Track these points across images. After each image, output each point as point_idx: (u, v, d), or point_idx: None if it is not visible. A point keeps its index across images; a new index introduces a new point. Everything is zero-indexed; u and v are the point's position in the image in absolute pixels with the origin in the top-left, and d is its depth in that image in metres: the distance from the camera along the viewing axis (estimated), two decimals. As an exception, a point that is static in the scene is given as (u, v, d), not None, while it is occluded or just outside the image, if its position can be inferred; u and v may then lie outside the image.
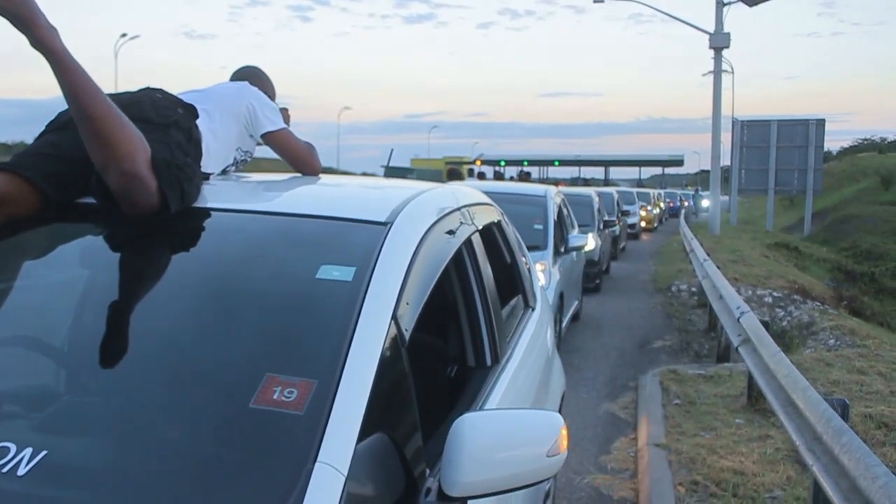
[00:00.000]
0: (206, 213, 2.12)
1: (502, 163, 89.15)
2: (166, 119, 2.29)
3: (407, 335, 1.81)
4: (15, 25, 1.90)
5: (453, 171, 19.77)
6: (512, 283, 3.37)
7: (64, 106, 2.03)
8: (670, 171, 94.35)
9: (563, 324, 7.93)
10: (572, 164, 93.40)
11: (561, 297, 7.46)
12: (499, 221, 3.34)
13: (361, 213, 2.11)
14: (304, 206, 2.18)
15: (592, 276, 11.99)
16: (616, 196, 19.86)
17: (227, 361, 1.70)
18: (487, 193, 8.70)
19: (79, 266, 2.19)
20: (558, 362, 3.81)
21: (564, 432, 1.82)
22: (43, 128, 2.35)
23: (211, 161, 2.63)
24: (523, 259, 3.69)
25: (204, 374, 1.69)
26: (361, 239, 2.01)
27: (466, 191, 3.09)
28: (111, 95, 2.40)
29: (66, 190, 2.16)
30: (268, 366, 1.62)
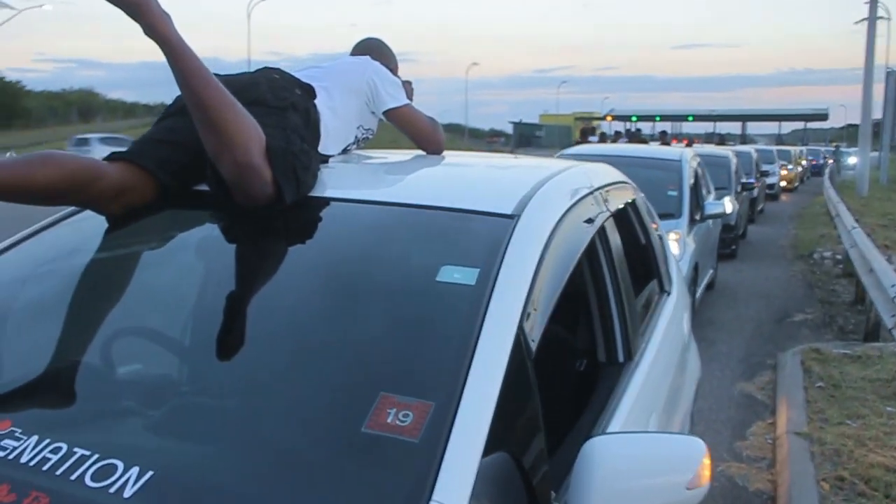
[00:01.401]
0: (322, 203, 2.01)
1: (634, 118, 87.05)
2: (283, 101, 2.19)
3: (534, 345, 1.65)
4: (127, 13, 1.83)
5: (586, 130, 19.34)
6: (647, 266, 3.16)
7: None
8: (813, 125, 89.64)
9: (698, 294, 7.59)
10: (707, 120, 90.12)
11: (696, 267, 7.12)
12: (633, 201, 3.12)
13: (486, 203, 1.96)
14: (424, 195, 2.04)
15: (728, 242, 11.45)
16: (755, 155, 18.94)
17: (341, 376, 1.59)
18: (617, 158, 8.44)
19: (194, 256, 2.13)
20: (694, 348, 3.57)
21: (707, 461, 1.63)
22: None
23: (330, 141, 2.53)
24: (658, 238, 3.46)
25: (318, 389, 1.58)
26: (486, 235, 1.86)
27: (599, 170, 2.88)
28: (228, 76, 2.32)
29: (183, 177, 2.11)
30: (383, 382, 1.50)
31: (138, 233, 2.14)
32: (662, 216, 7.13)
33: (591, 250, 2.28)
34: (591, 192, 2.43)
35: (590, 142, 16.95)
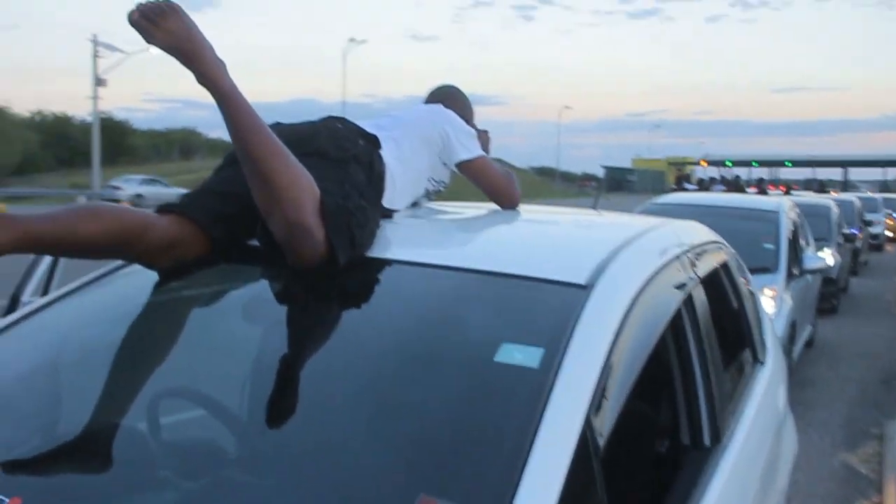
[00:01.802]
0: (378, 264, 1.86)
1: (728, 163, 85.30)
2: (344, 153, 2.06)
3: (602, 442, 1.44)
4: (179, 60, 1.73)
5: (682, 177, 18.86)
6: (739, 335, 2.90)
7: None
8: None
9: (795, 354, 7.15)
10: (806, 165, 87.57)
11: (793, 325, 6.71)
12: (725, 262, 2.87)
13: (556, 270, 1.77)
14: (489, 259, 1.86)
15: (829, 296, 10.87)
16: (858, 204, 18.10)
17: (380, 467, 1.41)
18: (710, 208, 8.10)
19: (242, 316, 2.00)
20: (790, 422, 3.27)
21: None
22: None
23: (398, 195, 2.38)
24: (752, 301, 3.19)
25: (354, 480, 1.41)
26: (554, 307, 1.67)
27: (688, 229, 2.66)
28: (289, 126, 2.21)
29: (237, 231, 1.99)
30: (424, 481, 1.32)
31: (187, 289, 2.04)
32: (758, 270, 6.79)
33: (675, 322, 2.06)
34: (678, 257, 2.21)
35: (686, 189, 16.50)
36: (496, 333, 1.60)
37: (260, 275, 2.02)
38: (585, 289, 1.69)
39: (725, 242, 3.14)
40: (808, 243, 9.06)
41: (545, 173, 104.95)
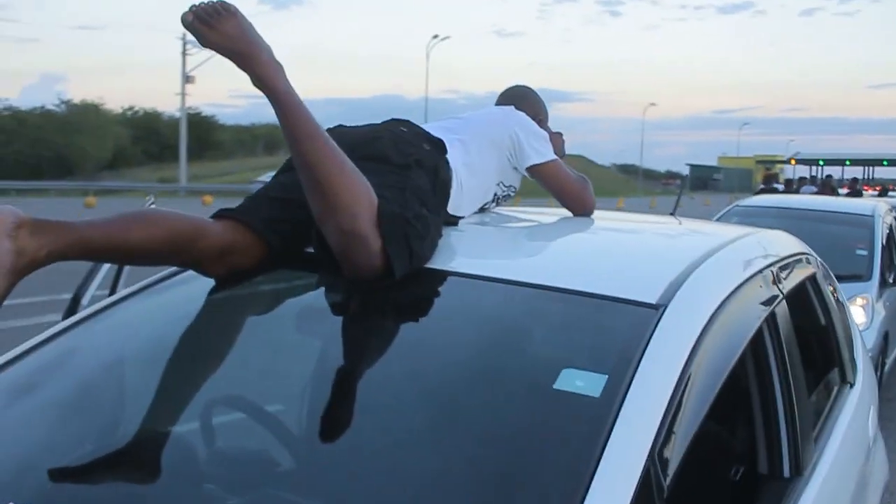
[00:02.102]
0: (437, 277, 1.77)
1: (821, 162, 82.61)
2: (407, 158, 1.98)
3: (668, 477, 1.32)
4: (236, 63, 1.68)
5: (770, 176, 18.24)
6: (826, 353, 2.72)
7: None
8: None
9: (887, 367, 6.81)
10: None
11: (885, 337, 6.38)
12: (813, 275, 2.69)
13: (627, 288, 1.65)
14: (554, 273, 1.75)
15: (925, 304, 10.36)
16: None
17: (431, 498, 1.33)
18: (799, 211, 7.76)
19: (296, 326, 1.94)
20: (881, 447, 3.06)
21: None
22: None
23: (465, 200, 2.30)
24: (842, 317, 3.00)
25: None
26: (622, 329, 1.56)
27: (774, 240, 2.50)
28: (351, 129, 2.14)
29: (295, 238, 1.93)
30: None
31: (243, 295, 1.99)
32: (850, 278, 6.48)
33: (756, 343, 1.91)
34: (761, 271, 2.06)
35: (774, 188, 15.96)
36: (558, 356, 1.50)
37: (316, 283, 1.95)
38: (657, 308, 1.57)
39: (814, 253, 2.96)
40: (904, 249, 8.64)
41: (629, 171, 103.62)
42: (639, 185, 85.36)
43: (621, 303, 1.60)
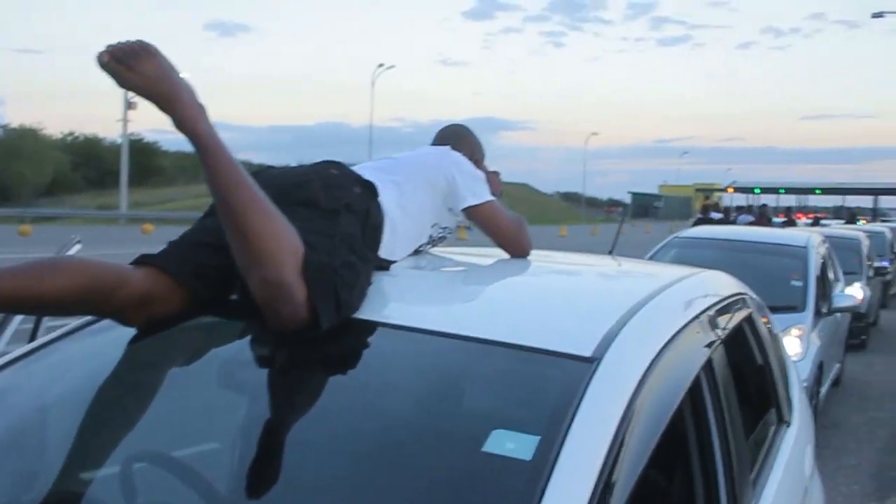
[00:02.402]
0: (364, 328, 1.71)
1: (756, 190, 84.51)
2: (336, 203, 1.92)
3: None
4: (155, 104, 1.61)
5: (708, 206, 18.52)
6: (764, 393, 2.71)
7: None
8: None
9: (822, 395, 6.91)
10: (836, 193, 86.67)
11: (820, 367, 6.47)
12: (750, 315, 2.69)
13: (560, 339, 1.60)
14: (486, 324, 1.69)
15: (858, 332, 10.56)
16: (889, 235, 17.74)
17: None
18: (736, 243, 7.88)
19: (218, 379, 1.86)
20: (817, 484, 3.07)
21: None
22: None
23: (399, 243, 2.24)
24: (779, 356, 3.00)
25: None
26: (555, 385, 1.51)
27: (710, 282, 2.50)
28: (281, 170, 2.08)
29: (219, 284, 1.85)
30: None
31: (164, 346, 1.90)
32: (785, 309, 6.57)
33: (693, 391, 1.88)
34: (697, 317, 2.04)
35: (711, 218, 16.22)
36: (489, 415, 1.45)
37: (241, 333, 1.87)
38: (591, 362, 1.53)
39: (750, 292, 2.96)
40: (837, 278, 8.83)
41: (571, 199, 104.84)
42: (581, 212, 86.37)
43: (555, 356, 1.56)
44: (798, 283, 6.86)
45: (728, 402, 2.07)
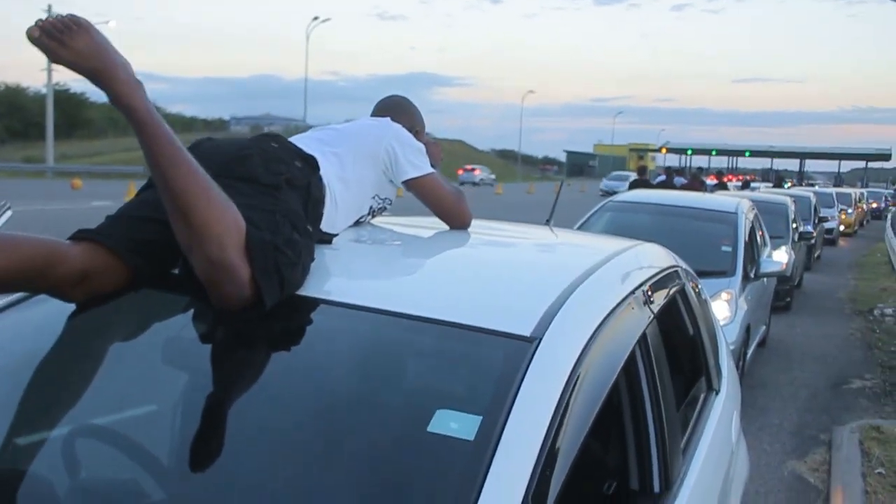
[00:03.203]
0: (307, 305, 1.72)
1: (689, 151, 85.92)
2: (277, 178, 1.91)
3: None
4: (90, 80, 1.57)
5: (643, 168, 18.75)
6: (695, 363, 2.81)
7: None
8: (874, 165, 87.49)
9: (748, 357, 7.14)
10: (765, 155, 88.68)
11: (747, 329, 6.68)
12: (682, 287, 2.77)
13: (501, 318, 1.63)
14: (428, 301, 1.70)
15: (783, 294, 10.92)
16: (813, 200, 18.26)
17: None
18: (667, 208, 8.01)
19: (161, 354, 1.85)
20: (742, 448, 3.20)
21: None
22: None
23: (340, 215, 2.24)
24: (708, 324, 3.10)
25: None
26: (496, 365, 1.54)
27: (646, 255, 2.56)
28: (219, 142, 2.05)
29: (160, 259, 1.83)
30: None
31: (104, 321, 1.88)
32: (714, 274, 6.75)
33: (628, 365, 1.94)
34: (633, 292, 2.10)
35: (647, 181, 16.39)
36: (432, 394, 1.48)
37: (183, 308, 1.86)
38: (532, 341, 1.56)
39: (682, 263, 3.04)
40: (765, 243, 9.07)
41: (507, 156, 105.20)
42: (518, 170, 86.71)
43: (496, 335, 1.58)
44: (728, 249, 7.03)
45: (660, 374, 2.14)
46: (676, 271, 2.77)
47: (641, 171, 18.53)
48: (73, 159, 46.29)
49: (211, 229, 1.59)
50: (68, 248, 1.75)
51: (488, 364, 1.55)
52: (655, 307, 2.23)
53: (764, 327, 8.62)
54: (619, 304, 1.93)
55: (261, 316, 1.66)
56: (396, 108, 2.68)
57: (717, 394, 2.85)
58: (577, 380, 1.55)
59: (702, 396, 2.74)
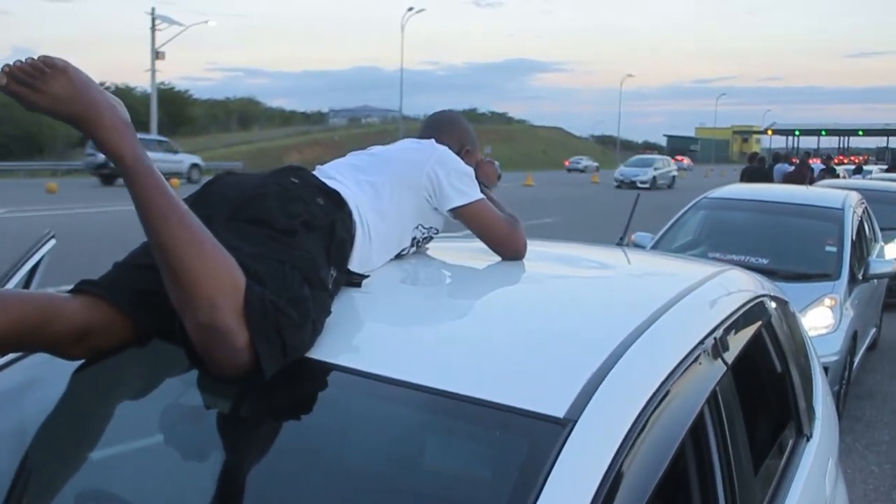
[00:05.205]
0: (313, 372, 1.52)
1: (797, 132, 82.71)
2: (293, 221, 1.71)
3: None
4: (73, 126, 1.41)
5: (754, 157, 17.93)
6: (782, 406, 2.49)
7: None
8: None
9: (855, 364, 6.63)
10: (879, 134, 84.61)
11: (854, 336, 6.19)
12: (769, 321, 2.45)
13: (530, 393, 1.39)
14: (449, 369, 1.46)
15: (896, 290, 10.21)
16: (933, 185, 17.15)
17: None
18: (766, 204, 7.52)
19: (160, 418, 1.68)
20: (841, 494, 2.85)
21: None
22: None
23: (375, 251, 2.04)
24: (801, 359, 2.77)
25: None
26: (519, 455, 1.31)
27: (724, 288, 2.27)
28: (237, 177, 1.88)
29: (167, 311, 1.66)
30: None
31: (103, 380, 1.73)
32: (817, 277, 6.28)
33: (695, 433, 1.67)
34: (702, 341, 1.81)
35: (758, 168, 15.65)
36: (445, 486, 1.25)
37: (185, 369, 1.69)
38: (565, 425, 1.32)
39: (773, 288, 2.72)
40: (875, 238, 8.46)
41: (606, 142, 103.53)
42: (616, 156, 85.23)
43: (524, 415, 1.35)
44: (832, 249, 6.53)
45: (734, 437, 1.85)
46: (762, 302, 2.45)
47: (753, 157, 17.68)
48: (178, 156, 47.68)
49: (201, 289, 1.41)
50: (65, 303, 1.60)
51: (510, 456, 1.32)
52: (731, 356, 1.94)
53: (874, 329, 8.04)
54: (680, 363, 1.65)
55: (261, 384, 1.47)
56: (442, 127, 2.46)
57: (808, 440, 2.52)
58: (620, 466, 1.30)
59: (790, 444, 2.42)
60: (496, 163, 2.64)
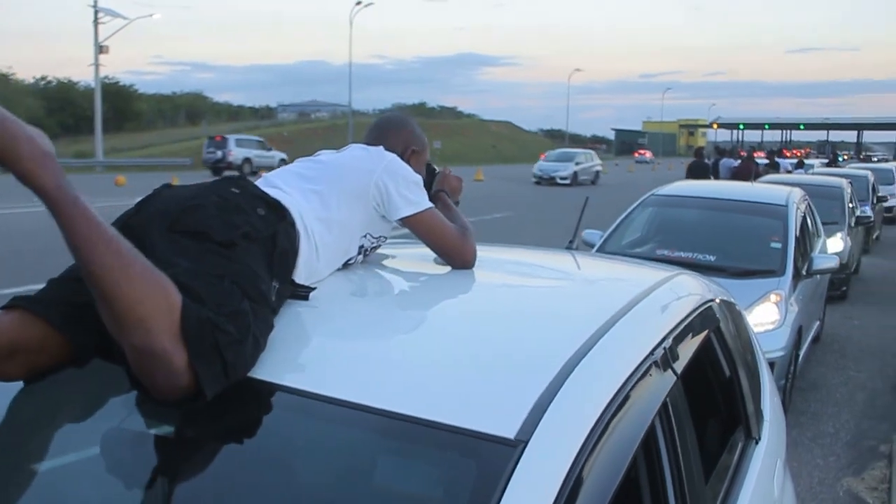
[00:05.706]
0: (256, 393, 1.47)
1: (741, 126, 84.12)
2: (232, 233, 1.66)
3: None
4: None
5: (700, 151, 18.19)
6: (731, 408, 2.50)
7: None
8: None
9: (801, 358, 6.75)
10: (820, 128, 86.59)
11: (799, 331, 6.29)
12: (717, 326, 2.46)
13: (480, 416, 1.36)
14: (395, 388, 1.43)
15: (838, 283, 10.42)
16: (871, 178, 17.56)
17: None
18: (712, 201, 7.63)
19: (100, 446, 1.62)
20: (789, 493, 2.88)
21: None
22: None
23: (322, 262, 2.00)
24: (748, 362, 2.79)
25: None
26: (470, 478, 1.28)
27: (676, 292, 2.27)
28: (176, 189, 1.82)
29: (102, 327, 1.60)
30: None
31: (45, 399, 1.66)
32: (763, 273, 6.37)
33: (646, 445, 1.65)
34: (654, 352, 1.80)
35: (705, 164, 15.93)
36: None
37: (128, 389, 1.63)
38: (515, 446, 1.29)
39: (721, 292, 2.73)
40: (818, 234, 8.63)
41: (555, 136, 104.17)
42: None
43: (473, 437, 1.32)
44: (777, 246, 6.63)
45: (685, 447, 1.85)
46: (710, 307, 2.46)
47: (698, 152, 17.93)
48: (123, 152, 46.80)
49: (133, 313, 1.36)
50: None
51: (460, 482, 1.29)
52: (680, 365, 1.94)
53: (818, 323, 8.20)
54: (631, 376, 1.64)
55: (203, 406, 1.42)
56: (389, 129, 2.42)
57: (756, 443, 2.54)
58: (573, 485, 1.29)
59: (739, 448, 2.44)
60: (460, 178, 2.62)
